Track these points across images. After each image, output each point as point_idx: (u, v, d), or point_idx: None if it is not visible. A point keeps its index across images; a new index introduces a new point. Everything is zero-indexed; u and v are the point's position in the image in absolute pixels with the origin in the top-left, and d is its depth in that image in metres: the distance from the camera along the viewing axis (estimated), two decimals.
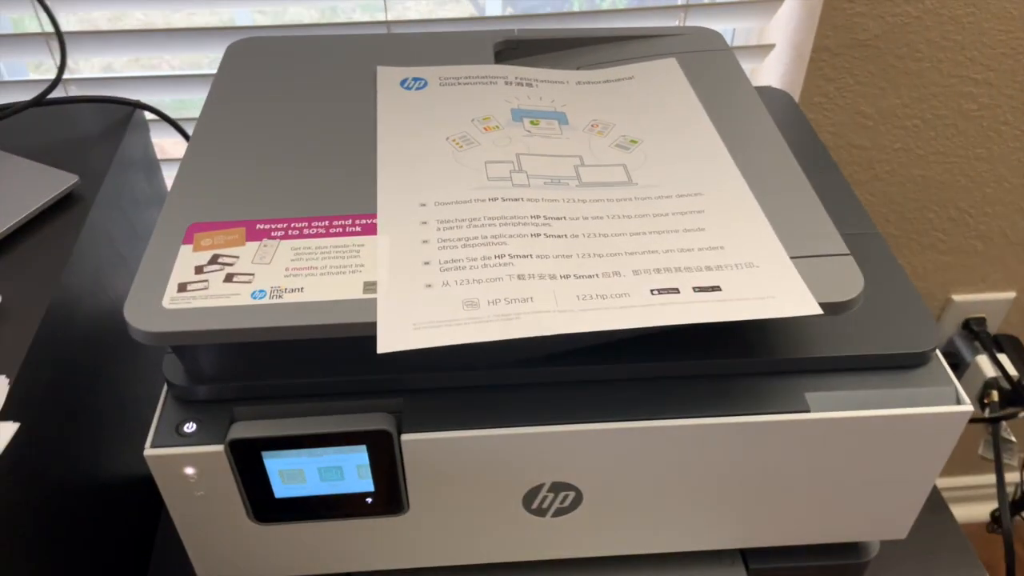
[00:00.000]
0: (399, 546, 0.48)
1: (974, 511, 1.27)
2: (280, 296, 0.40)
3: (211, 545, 0.46)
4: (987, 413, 0.92)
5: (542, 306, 0.39)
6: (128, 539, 0.58)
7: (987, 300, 0.97)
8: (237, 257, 0.42)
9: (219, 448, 0.41)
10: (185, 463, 0.42)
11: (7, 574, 0.43)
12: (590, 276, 0.41)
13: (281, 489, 0.44)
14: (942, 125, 0.80)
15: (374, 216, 0.44)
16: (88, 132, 0.62)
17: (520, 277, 0.41)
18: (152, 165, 0.69)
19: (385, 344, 0.37)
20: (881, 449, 0.44)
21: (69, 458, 0.50)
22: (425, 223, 0.44)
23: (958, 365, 0.99)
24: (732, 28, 0.82)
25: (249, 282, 0.40)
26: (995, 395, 0.92)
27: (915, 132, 0.81)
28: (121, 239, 0.59)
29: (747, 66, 0.82)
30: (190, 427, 0.42)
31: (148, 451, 0.41)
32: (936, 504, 0.62)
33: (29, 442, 0.44)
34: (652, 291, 0.40)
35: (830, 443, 0.44)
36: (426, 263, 0.42)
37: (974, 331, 0.98)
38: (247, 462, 0.42)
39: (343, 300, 0.39)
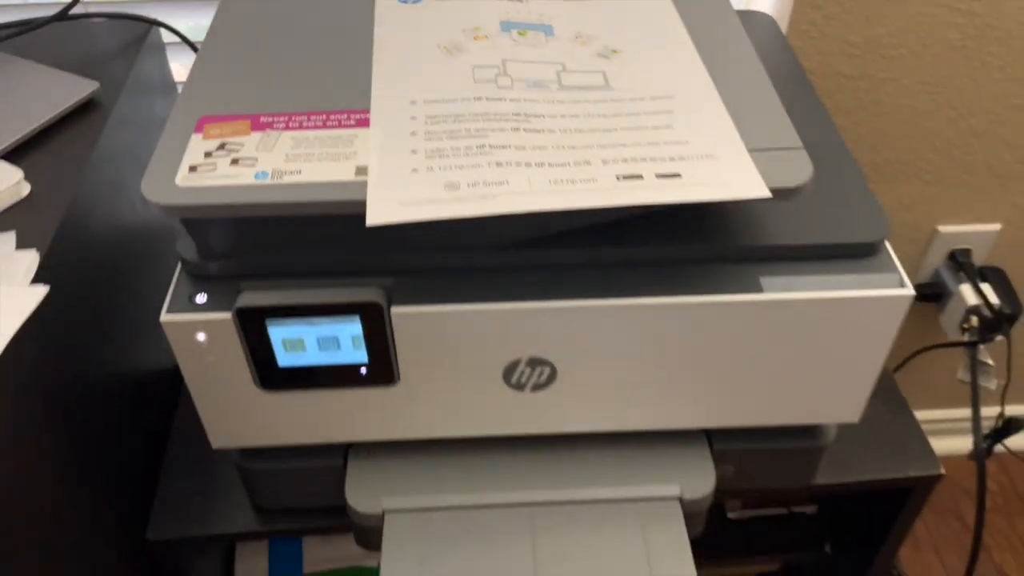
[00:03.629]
0: (391, 418, 0.52)
1: (963, 443, 1.31)
2: (281, 177, 0.44)
3: (221, 412, 0.51)
4: (966, 338, 0.96)
5: (517, 188, 0.43)
6: (147, 422, 0.63)
7: (973, 232, 1.00)
8: (242, 144, 0.46)
9: (227, 315, 0.46)
10: (197, 329, 0.46)
11: (36, 447, 0.48)
12: (562, 164, 0.45)
13: (284, 358, 0.48)
14: (928, 56, 0.83)
15: (367, 112, 0.48)
16: (107, 47, 0.66)
17: (498, 164, 0.45)
18: (168, 83, 0.73)
19: (374, 217, 0.41)
20: (830, 331, 0.48)
21: (85, 343, 0.55)
22: (414, 118, 0.48)
23: (942, 295, 1.02)
24: None
25: (253, 165, 0.45)
26: (974, 321, 0.95)
27: (901, 62, 0.83)
28: (138, 144, 0.63)
29: None
30: (201, 298, 0.47)
31: (164, 316, 0.46)
32: (898, 404, 0.67)
33: (50, 325, 0.49)
34: (618, 176, 0.44)
35: (782, 324, 0.48)
36: (413, 151, 0.46)
37: (959, 262, 1.01)
38: (252, 329, 0.46)
39: (337, 181, 0.43)
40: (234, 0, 0.59)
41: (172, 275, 0.48)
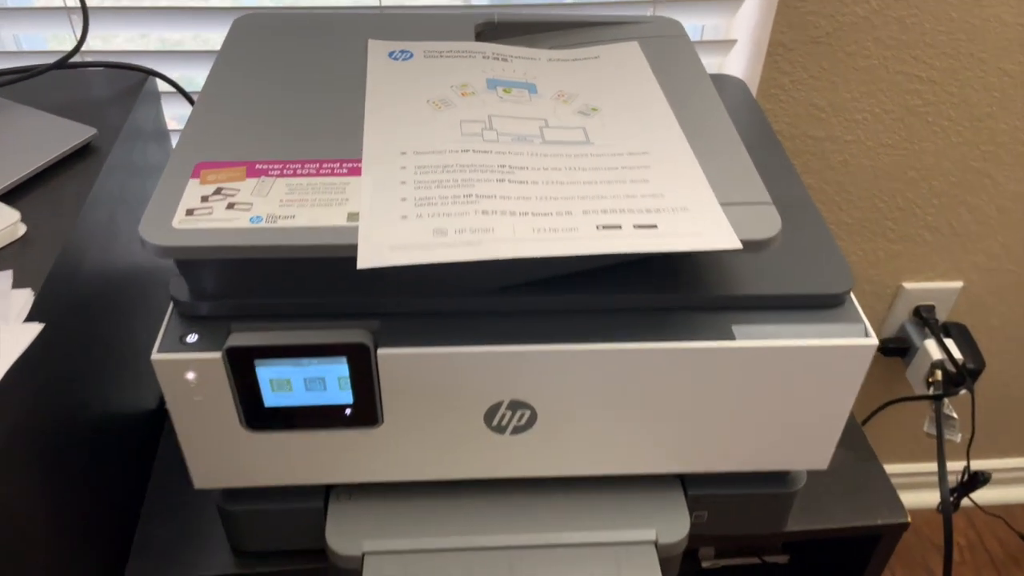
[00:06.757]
0: (373, 460, 0.53)
1: (932, 497, 1.33)
2: (275, 221, 0.46)
3: (206, 451, 0.52)
4: (931, 391, 0.99)
5: (502, 235, 0.45)
6: (129, 462, 0.64)
7: (936, 289, 1.04)
8: (238, 190, 0.48)
9: (217, 355, 0.47)
10: (187, 368, 0.47)
11: (21, 487, 0.48)
12: (545, 214, 0.47)
13: (270, 398, 0.49)
14: (890, 119, 0.87)
15: (359, 161, 0.50)
16: (104, 95, 0.68)
17: (484, 212, 0.47)
18: (162, 131, 0.75)
19: (364, 261, 0.43)
20: (798, 378, 0.51)
21: (75, 382, 0.56)
22: (404, 168, 0.50)
23: (908, 349, 1.05)
24: (701, 25, 0.89)
25: (248, 209, 0.46)
26: (939, 375, 0.98)
27: (864, 125, 0.87)
28: (132, 190, 0.65)
29: (714, 60, 0.89)
30: (192, 337, 0.48)
31: (155, 356, 0.47)
32: (866, 454, 0.69)
33: (42, 364, 0.50)
34: (598, 227, 0.46)
35: (753, 371, 0.50)
36: (403, 199, 0.48)
37: (924, 318, 1.04)
38: (241, 369, 0.48)
39: (329, 226, 0.45)
40: (232, 51, 0.61)
41: (162, 316, 0.49)
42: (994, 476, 1.30)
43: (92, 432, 0.57)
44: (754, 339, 0.49)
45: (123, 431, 0.63)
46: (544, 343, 0.48)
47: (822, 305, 0.51)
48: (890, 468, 1.31)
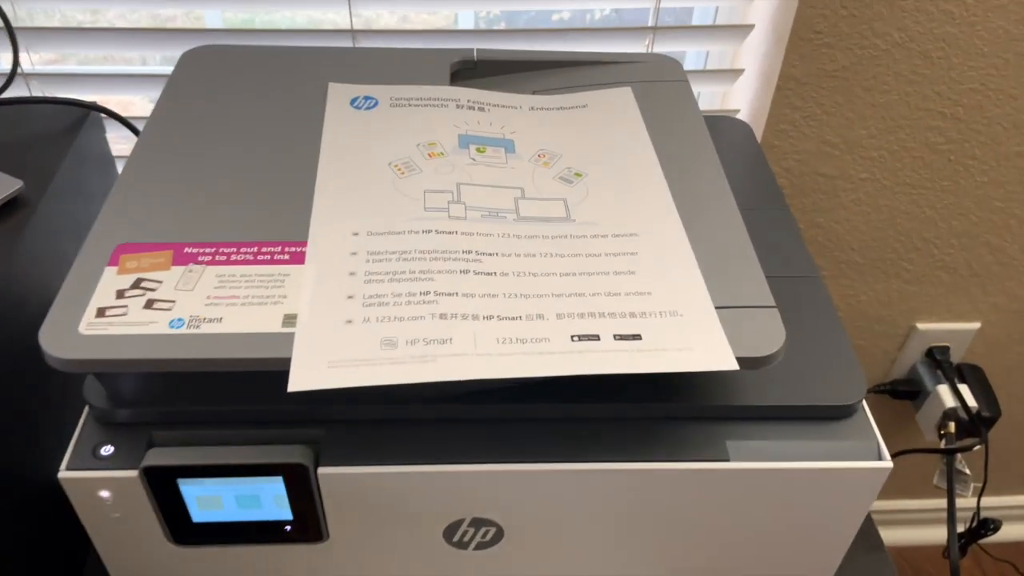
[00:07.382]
0: (320, 573, 0.48)
1: (937, 534, 1.27)
2: (198, 326, 0.39)
3: (132, 565, 0.46)
4: (943, 444, 0.92)
5: (460, 348, 0.39)
6: (60, 553, 0.58)
7: (951, 329, 0.97)
8: (160, 282, 0.41)
9: (134, 473, 0.41)
10: (100, 486, 0.41)
11: None
12: (513, 318, 0.41)
13: (198, 514, 0.43)
14: (909, 157, 0.80)
15: (304, 244, 0.44)
16: (43, 132, 0.61)
17: (442, 316, 0.40)
18: (107, 164, 0.69)
19: (297, 383, 0.37)
20: (801, 499, 0.45)
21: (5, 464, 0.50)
22: (355, 254, 0.44)
23: (919, 393, 0.99)
24: (706, 51, 0.82)
25: (169, 309, 0.40)
26: (952, 427, 0.92)
27: (881, 163, 0.80)
28: (68, 241, 0.59)
29: (718, 89, 0.81)
30: (107, 450, 0.42)
31: (63, 473, 0.41)
32: (873, 544, 0.63)
33: None
34: (573, 337, 0.40)
35: (750, 491, 0.44)
36: (350, 297, 0.41)
37: (937, 360, 0.98)
38: (163, 487, 0.42)
39: (260, 333, 0.39)
40: (176, 94, 0.54)
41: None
42: (1005, 513, 1.25)
43: (15, 522, 0.52)
44: (750, 459, 0.43)
45: (54, 519, 0.57)
46: (509, 461, 0.42)
47: (829, 416, 0.45)
48: (896, 504, 1.26)
